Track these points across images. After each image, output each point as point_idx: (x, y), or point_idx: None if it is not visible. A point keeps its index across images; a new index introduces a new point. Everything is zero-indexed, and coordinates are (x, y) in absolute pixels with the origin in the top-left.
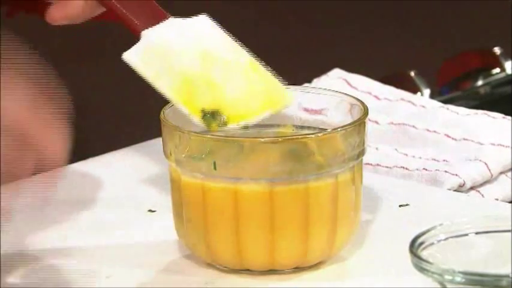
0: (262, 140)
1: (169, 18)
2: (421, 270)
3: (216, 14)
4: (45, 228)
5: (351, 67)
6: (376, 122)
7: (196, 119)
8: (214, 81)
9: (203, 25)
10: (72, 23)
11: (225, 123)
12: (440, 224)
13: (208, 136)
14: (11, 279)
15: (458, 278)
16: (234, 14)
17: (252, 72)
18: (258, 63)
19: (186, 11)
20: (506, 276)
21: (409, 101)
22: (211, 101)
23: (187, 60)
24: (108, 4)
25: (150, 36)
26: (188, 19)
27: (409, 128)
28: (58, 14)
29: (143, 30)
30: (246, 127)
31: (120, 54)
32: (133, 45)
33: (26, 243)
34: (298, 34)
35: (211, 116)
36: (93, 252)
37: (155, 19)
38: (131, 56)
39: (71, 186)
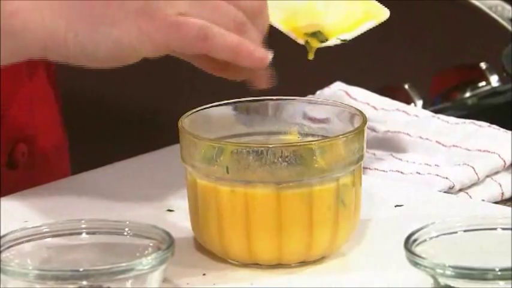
0: (271, 146)
1: None
2: (415, 264)
3: None
4: None
5: (351, 80)
6: (374, 130)
7: (301, 41)
8: (317, 9)
9: None
10: None
11: (326, 39)
12: (433, 223)
13: (222, 143)
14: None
15: (448, 272)
16: None
17: None
18: None
19: None
20: (492, 270)
21: (403, 111)
22: (314, 26)
23: None
24: None
25: None
26: None
27: (404, 136)
28: None
29: None
30: (344, 41)
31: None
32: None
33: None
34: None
35: (312, 35)
36: None
37: None
38: None
39: (98, 188)
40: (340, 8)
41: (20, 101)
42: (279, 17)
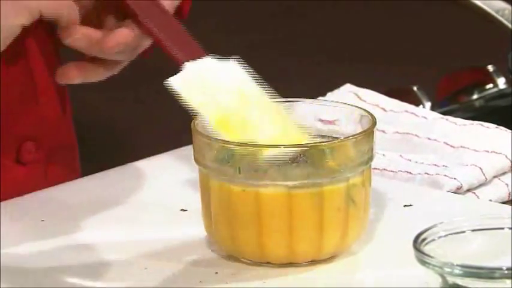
0: (282, 147)
1: (207, 57)
2: (424, 263)
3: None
4: (91, 225)
5: (360, 82)
6: (383, 131)
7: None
8: (251, 122)
9: (235, 67)
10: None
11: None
12: (441, 222)
13: (234, 144)
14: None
15: (456, 271)
16: (258, 36)
17: (278, 112)
18: (279, 105)
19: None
20: (500, 269)
21: (412, 113)
22: (245, 136)
23: (227, 95)
24: (155, 38)
25: (191, 68)
26: (223, 61)
27: (412, 137)
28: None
29: (185, 62)
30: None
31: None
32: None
33: (74, 238)
34: (316, 55)
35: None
36: (132, 246)
37: (195, 54)
38: (175, 83)
39: (113, 188)
40: (271, 123)
41: (26, 99)
42: (213, 113)
